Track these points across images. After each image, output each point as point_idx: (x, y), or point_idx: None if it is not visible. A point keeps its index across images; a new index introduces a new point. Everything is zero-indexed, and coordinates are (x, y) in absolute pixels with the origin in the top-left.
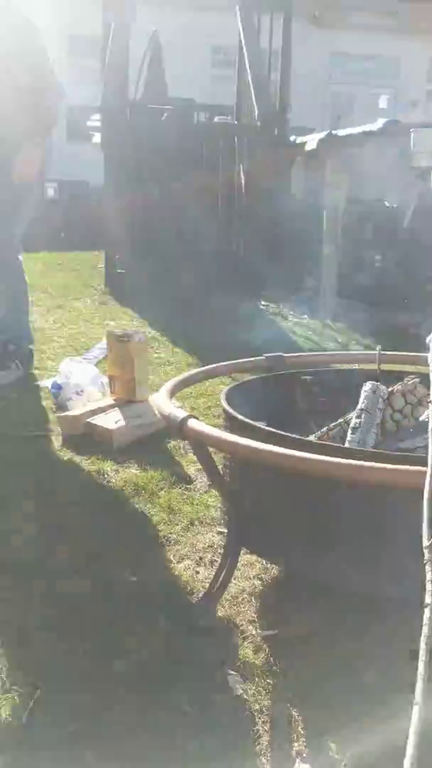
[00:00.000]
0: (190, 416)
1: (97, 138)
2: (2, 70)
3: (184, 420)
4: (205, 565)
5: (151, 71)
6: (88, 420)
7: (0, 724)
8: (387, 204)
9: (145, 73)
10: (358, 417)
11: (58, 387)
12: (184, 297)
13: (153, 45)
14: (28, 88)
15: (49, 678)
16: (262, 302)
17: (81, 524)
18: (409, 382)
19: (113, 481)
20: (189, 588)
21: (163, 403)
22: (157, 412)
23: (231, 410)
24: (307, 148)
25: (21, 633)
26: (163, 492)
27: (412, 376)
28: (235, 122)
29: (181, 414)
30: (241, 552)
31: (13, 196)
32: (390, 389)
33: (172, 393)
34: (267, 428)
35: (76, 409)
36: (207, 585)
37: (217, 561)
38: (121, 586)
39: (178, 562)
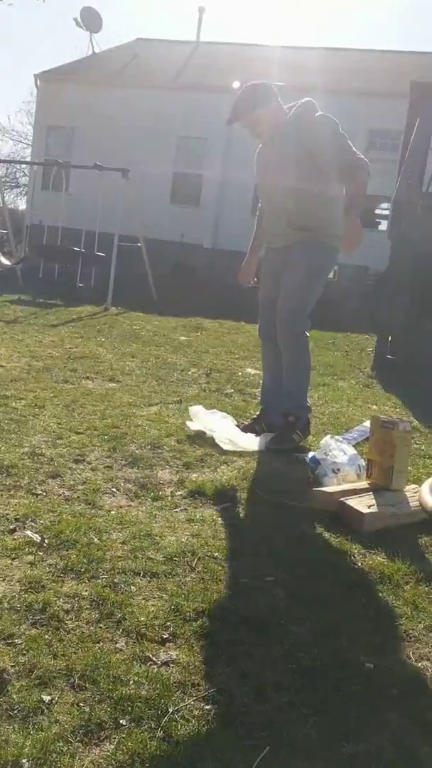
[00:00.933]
0: None
1: (383, 225)
2: (307, 158)
3: None
4: None
5: None
6: (341, 499)
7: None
8: None
9: None
10: None
11: (316, 462)
12: None
13: None
14: (339, 170)
15: (278, 740)
16: None
17: (324, 598)
18: None
19: (359, 564)
20: (427, 691)
21: (428, 497)
22: (416, 504)
23: None
24: None
25: (258, 690)
26: (408, 586)
27: None
28: None
29: None
30: None
31: (316, 270)
32: None
33: None
34: None
35: (331, 486)
36: None
37: None
38: (356, 669)
39: (416, 661)
